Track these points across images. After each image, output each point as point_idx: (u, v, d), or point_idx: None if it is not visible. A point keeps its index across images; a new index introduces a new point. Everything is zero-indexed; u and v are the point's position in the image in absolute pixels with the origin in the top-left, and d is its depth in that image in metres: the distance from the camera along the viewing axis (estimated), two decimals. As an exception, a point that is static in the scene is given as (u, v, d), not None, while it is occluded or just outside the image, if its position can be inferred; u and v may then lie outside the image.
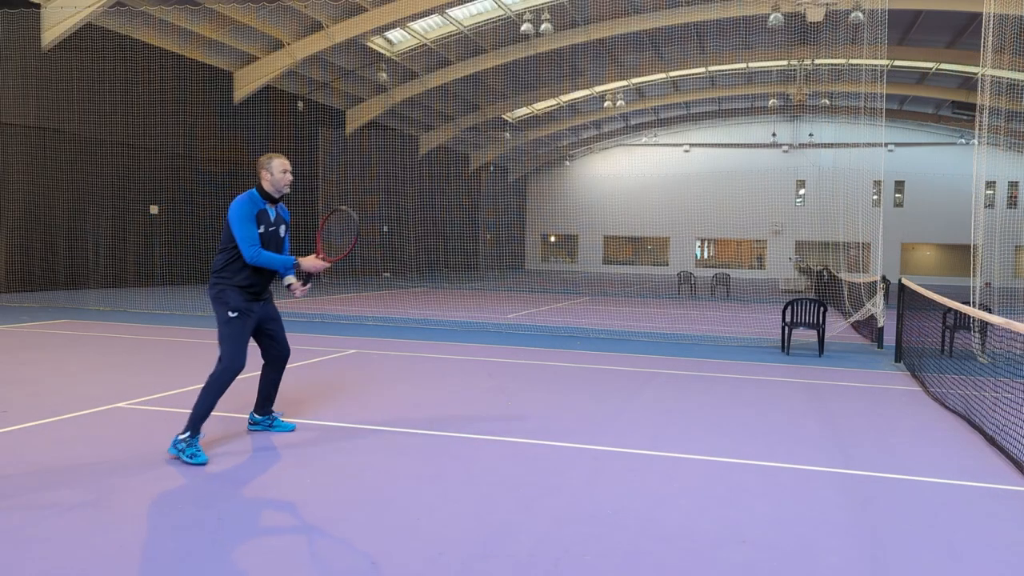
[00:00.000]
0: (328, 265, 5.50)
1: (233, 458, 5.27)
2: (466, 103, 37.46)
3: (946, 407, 7.70)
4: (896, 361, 10.95)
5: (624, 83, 38.33)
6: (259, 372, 5.89)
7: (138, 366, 8.81)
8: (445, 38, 29.73)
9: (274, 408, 6.05)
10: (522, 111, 41.31)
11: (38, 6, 19.93)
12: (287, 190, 5.39)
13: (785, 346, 11.77)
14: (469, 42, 30.40)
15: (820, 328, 11.63)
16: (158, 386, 7.61)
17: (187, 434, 5.12)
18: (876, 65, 22.30)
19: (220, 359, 5.27)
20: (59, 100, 20.53)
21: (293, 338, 11.47)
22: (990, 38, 10.95)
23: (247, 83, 26.83)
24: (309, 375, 8.49)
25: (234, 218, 5.21)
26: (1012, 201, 46.09)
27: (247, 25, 24.68)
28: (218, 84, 26.14)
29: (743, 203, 44.62)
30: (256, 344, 5.67)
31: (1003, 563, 3.85)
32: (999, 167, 42.46)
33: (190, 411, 5.20)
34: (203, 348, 10.41)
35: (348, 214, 5.65)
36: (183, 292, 20.99)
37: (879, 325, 12.68)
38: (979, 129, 11.92)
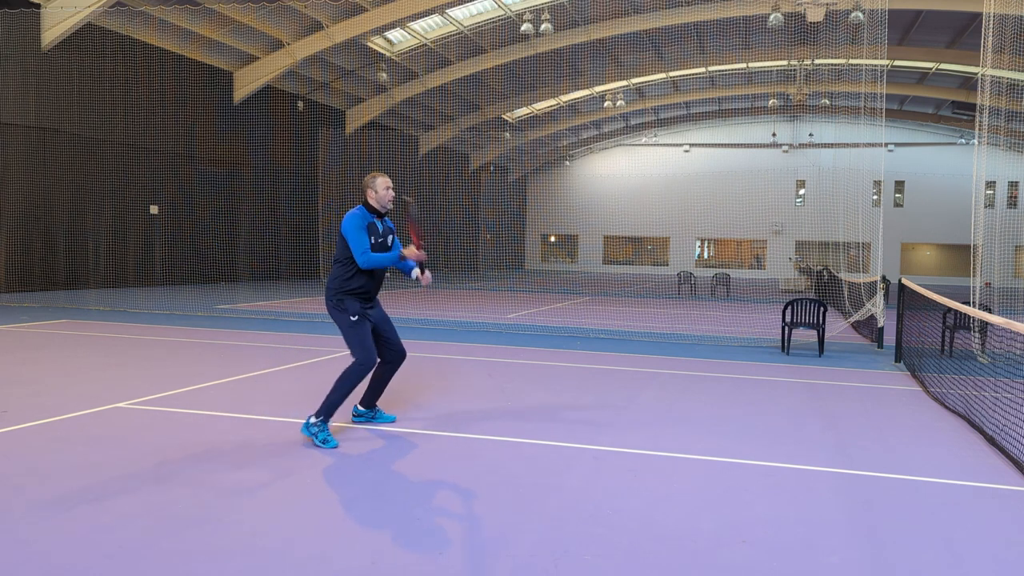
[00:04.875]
0: (422, 255, 5.86)
1: (233, 457, 5.27)
2: (466, 103, 37.46)
3: (946, 407, 7.70)
4: (896, 361, 10.95)
5: (624, 83, 38.33)
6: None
7: (138, 366, 8.81)
8: (445, 38, 29.73)
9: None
10: (522, 111, 41.31)
11: (38, 6, 19.93)
12: (391, 205, 5.88)
13: (785, 346, 11.77)
14: (469, 42, 30.41)
15: (820, 328, 11.63)
16: (158, 386, 7.61)
17: (320, 418, 5.64)
18: (876, 65, 22.32)
19: (354, 358, 5.74)
20: (59, 100, 20.53)
21: (293, 338, 11.56)
22: (990, 38, 10.95)
23: (247, 83, 26.83)
24: (308, 375, 8.49)
25: (348, 229, 5.70)
26: (1012, 201, 46.10)
27: (247, 25, 24.68)
28: (218, 84, 26.14)
29: (743, 203, 44.62)
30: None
31: (1003, 563, 3.85)
32: (999, 167, 42.48)
33: (324, 397, 5.71)
34: (204, 348, 10.41)
35: (408, 202, 6.00)
36: (183, 292, 21.00)
37: (879, 325, 12.68)
38: (979, 129, 11.92)
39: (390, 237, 5.96)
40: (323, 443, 5.56)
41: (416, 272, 5.88)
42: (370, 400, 6.30)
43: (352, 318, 5.75)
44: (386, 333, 6.01)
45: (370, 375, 6.05)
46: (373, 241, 5.76)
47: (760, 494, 4.81)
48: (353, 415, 6.34)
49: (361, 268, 5.69)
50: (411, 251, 5.82)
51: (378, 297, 6.08)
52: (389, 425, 6.28)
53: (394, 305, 18.90)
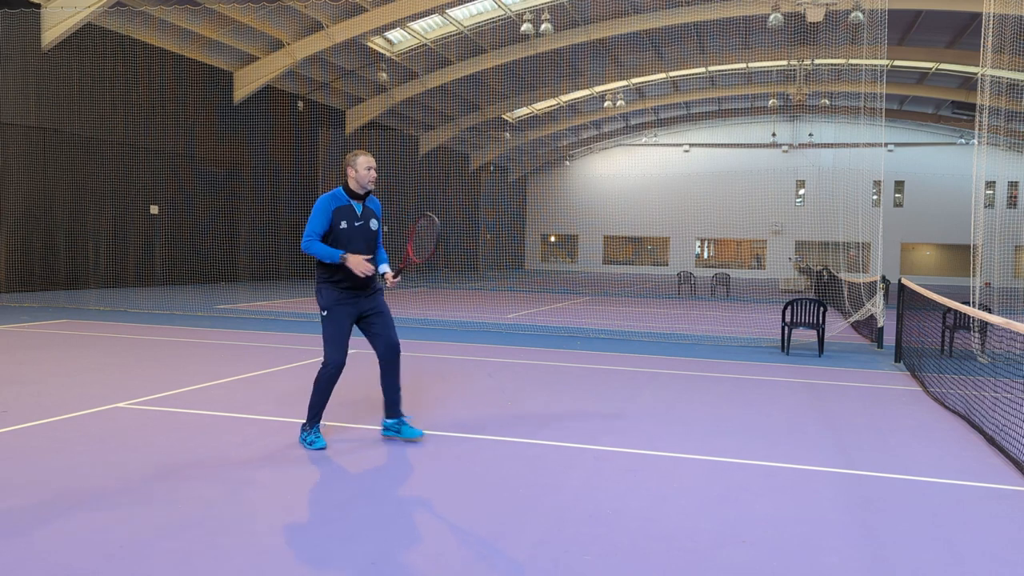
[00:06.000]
0: (370, 268, 5.39)
1: (232, 457, 5.27)
2: (466, 103, 37.46)
3: (946, 407, 7.70)
4: (896, 361, 10.95)
5: (624, 83, 38.34)
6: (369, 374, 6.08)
7: (138, 366, 8.81)
8: (445, 38, 29.74)
9: (403, 412, 5.85)
10: (522, 111, 41.32)
11: (38, 6, 19.93)
12: (371, 186, 5.52)
13: (785, 346, 11.77)
14: (469, 42, 30.41)
15: (820, 328, 11.63)
16: (158, 386, 7.61)
17: (305, 423, 5.61)
18: (876, 65, 22.33)
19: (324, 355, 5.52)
20: (59, 100, 20.53)
21: (293, 338, 11.56)
22: (990, 38, 10.95)
23: (247, 83, 26.84)
24: (308, 375, 8.48)
25: (313, 210, 5.44)
26: (1012, 201, 46.12)
27: (247, 25, 24.68)
28: (218, 84, 26.15)
29: (743, 203, 44.64)
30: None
31: (1003, 563, 3.85)
32: (999, 167, 42.50)
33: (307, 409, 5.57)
34: (204, 348, 10.41)
35: (433, 220, 5.68)
36: (183, 292, 21.00)
37: (879, 325, 12.68)
38: (979, 129, 11.92)
39: (372, 221, 5.59)
40: (309, 445, 5.50)
41: (384, 268, 5.58)
42: (390, 411, 5.78)
43: (323, 312, 5.51)
44: (375, 327, 5.61)
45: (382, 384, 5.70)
46: (345, 226, 5.42)
47: (760, 494, 4.81)
48: (382, 429, 5.87)
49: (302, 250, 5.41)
50: (355, 259, 5.32)
51: (380, 289, 5.69)
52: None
53: (394, 305, 18.91)
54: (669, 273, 43.75)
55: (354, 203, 5.51)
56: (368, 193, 5.58)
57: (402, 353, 5.76)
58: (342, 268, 5.43)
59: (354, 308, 5.54)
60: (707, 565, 3.71)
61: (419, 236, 5.71)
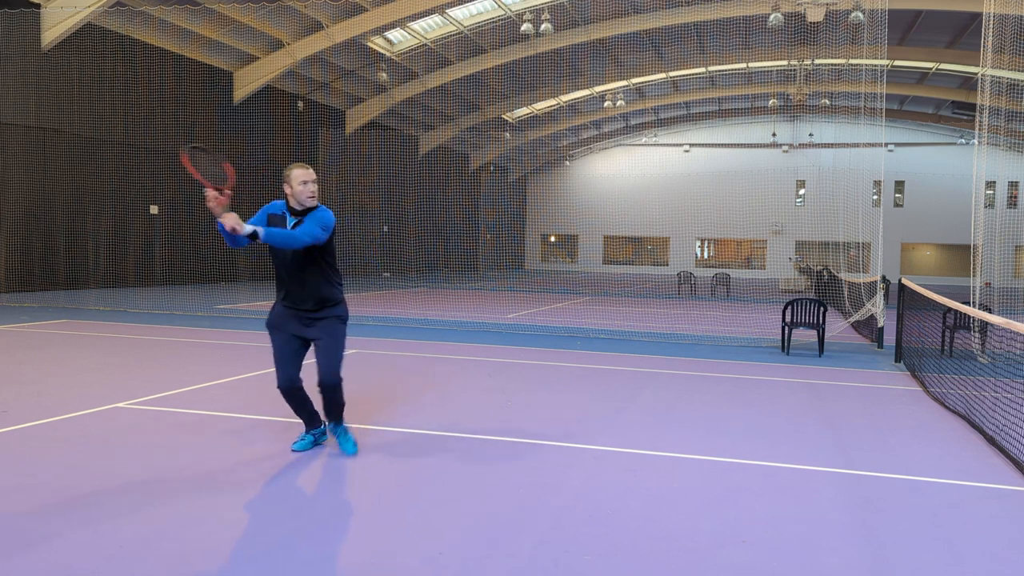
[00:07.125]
0: (217, 194, 4.64)
1: (232, 457, 5.26)
2: (466, 103, 37.47)
3: (946, 407, 7.70)
4: (896, 361, 10.95)
5: (624, 83, 38.34)
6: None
7: (138, 366, 8.81)
8: (445, 38, 29.74)
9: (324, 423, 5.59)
10: (522, 111, 41.32)
11: (38, 6, 19.93)
12: (310, 203, 4.93)
13: (785, 346, 11.77)
14: (469, 42, 30.41)
15: (820, 328, 11.63)
16: (158, 386, 7.61)
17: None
18: (876, 65, 22.32)
19: None
20: (59, 100, 20.53)
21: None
22: (990, 38, 10.95)
23: (247, 83, 26.84)
24: (308, 376, 8.48)
25: None
26: (1012, 201, 46.12)
27: (247, 25, 24.68)
28: (218, 84, 26.15)
29: (743, 203, 44.65)
30: None
31: (1003, 563, 3.85)
32: (999, 167, 42.50)
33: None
34: (204, 348, 10.41)
35: (200, 149, 4.87)
36: (183, 292, 21.00)
37: (879, 325, 12.68)
38: (979, 129, 11.92)
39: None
40: (294, 442, 5.47)
41: (229, 223, 4.52)
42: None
43: (267, 329, 5.26)
44: (318, 354, 5.13)
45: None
46: None
47: (760, 494, 4.81)
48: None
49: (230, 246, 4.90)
50: (230, 218, 4.52)
51: (333, 316, 5.17)
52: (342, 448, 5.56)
53: (393, 305, 18.91)
54: (669, 273, 43.75)
55: (288, 217, 4.99)
56: (309, 210, 4.96)
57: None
58: (284, 284, 5.07)
59: (292, 330, 5.13)
60: (707, 565, 3.71)
61: (202, 169, 4.78)
